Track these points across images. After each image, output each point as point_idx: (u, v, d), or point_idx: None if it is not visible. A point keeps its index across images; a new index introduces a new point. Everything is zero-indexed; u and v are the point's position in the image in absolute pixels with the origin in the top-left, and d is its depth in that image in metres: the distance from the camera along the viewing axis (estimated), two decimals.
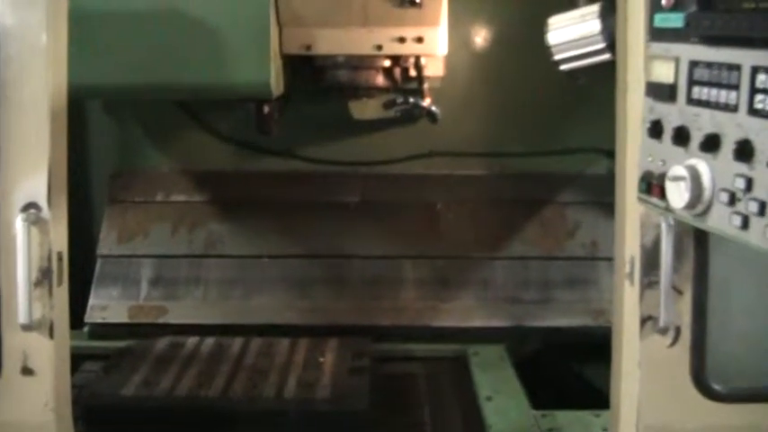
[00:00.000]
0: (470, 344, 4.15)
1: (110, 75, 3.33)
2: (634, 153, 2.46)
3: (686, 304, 2.50)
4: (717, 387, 2.53)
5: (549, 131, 4.52)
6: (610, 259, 4.35)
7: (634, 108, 2.49)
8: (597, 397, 4.18)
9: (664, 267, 2.42)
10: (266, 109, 3.68)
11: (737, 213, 1.85)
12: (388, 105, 3.94)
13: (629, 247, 2.57)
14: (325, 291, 4.33)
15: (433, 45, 3.65)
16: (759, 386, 2.56)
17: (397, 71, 3.83)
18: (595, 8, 3.18)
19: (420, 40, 3.62)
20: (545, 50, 4.31)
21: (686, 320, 2.50)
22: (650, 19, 2.17)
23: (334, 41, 3.63)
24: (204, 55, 3.35)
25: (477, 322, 4.24)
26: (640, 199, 2.26)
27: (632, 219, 2.54)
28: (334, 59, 3.73)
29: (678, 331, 2.49)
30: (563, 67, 3.39)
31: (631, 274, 2.55)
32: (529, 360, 4.20)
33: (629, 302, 2.56)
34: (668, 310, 2.44)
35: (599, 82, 4.50)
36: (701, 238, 2.47)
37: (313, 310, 4.28)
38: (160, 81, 3.38)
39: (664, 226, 2.40)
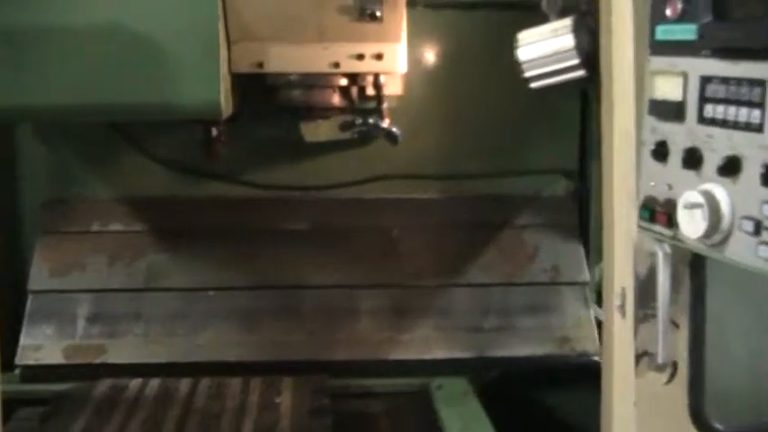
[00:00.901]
0: (432, 377, 3.95)
1: (40, 95, 3.04)
2: (623, 176, 2.30)
3: (683, 338, 2.32)
4: (717, 425, 2.35)
5: (507, 152, 4.36)
6: (572, 284, 4.29)
7: (622, 127, 2.33)
8: (564, 428, 4.04)
9: (661, 299, 2.24)
10: (214, 131, 3.43)
11: (765, 243, 1.68)
12: (346, 127, 3.73)
13: (620, 277, 2.38)
14: (277, 324, 4.07)
15: (393, 62, 3.45)
16: (759, 422, 2.41)
17: (354, 90, 3.62)
18: (568, 22, 3.01)
19: (379, 56, 3.41)
20: (502, 68, 4.18)
21: (683, 355, 2.33)
22: (651, 31, 1.99)
23: (287, 59, 3.39)
24: (146, 73, 3.09)
25: (439, 354, 4.04)
26: (641, 227, 2.08)
27: (623, 247, 2.36)
28: (287, 78, 3.49)
29: (675, 367, 2.32)
30: (533, 84, 3.21)
31: (623, 307, 2.36)
32: (492, 391, 4.01)
33: (620, 337, 2.38)
34: (666, 345, 2.25)
35: (557, 100, 4.43)
36: (697, 267, 2.30)
37: (264, 344, 4.02)
38: (97, 102, 3.10)
39: (660, 254, 2.22)
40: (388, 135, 3.74)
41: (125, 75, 3.08)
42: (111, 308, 4.05)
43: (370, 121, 3.70)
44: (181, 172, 4.23)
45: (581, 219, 4.38)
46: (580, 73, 3.26)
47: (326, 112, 3.66)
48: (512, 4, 4.02)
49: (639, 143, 2.09)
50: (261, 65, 3.39)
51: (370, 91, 3.63)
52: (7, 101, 2.31)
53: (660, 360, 2.25)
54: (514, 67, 4.10)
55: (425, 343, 4.05)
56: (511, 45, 4.10)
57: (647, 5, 2.06)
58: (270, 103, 3.62)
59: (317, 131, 3.89)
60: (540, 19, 3.47)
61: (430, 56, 4.18)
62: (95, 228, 4.18)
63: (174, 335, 4.01)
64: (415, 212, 4.32)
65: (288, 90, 3.53)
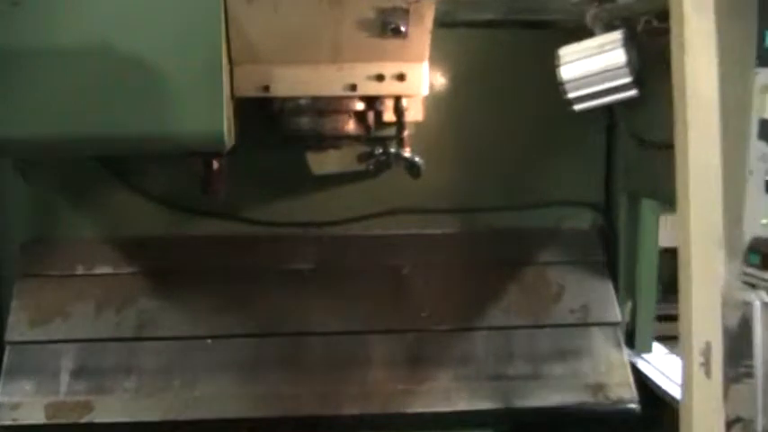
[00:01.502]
0: (453, 431, 3.59)
1: (20, 126, 2.68)
2: (704, 215, 1.96)
3: None
4: None
5: (527, 183, 4.04)
6: (603, 324, 3.94)
7: (701, 159, 2.00)
8: None
9: (759, 356, 1.90)
10: (216, 165, 3.07)
11: None
12: (364, 158, 3.36)
13: (703, 330, 2.04)
14: (281, 375, 3.70)
15: (416, 83, 3.12)
16: None
17: (371, 116, 3.26)
18: (618, 36, 2.70)
19: (401, 77, 3.08)
20: (521, 92, 3.87)
21: None
22: (761, 38, 1.66)
23: (297, 81, 3.05)
24: (141, 101, 2.75)
25: (460, 405, 3.67)
26: (748, 275, 1.74)
27: (706, 295, 2.02)
28: (296, 102, 3.13)
29: None
30: (577, 106, 2.89)
31: (707, 365, 2.02)
32: None
33: (705, 400, 2.03)
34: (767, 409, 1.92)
35: (580, 127, 4.11)
36: None
37: (267, 398, 3.64)
38: (86, 134, 2.75)
39: (757, 304, 1.89)
40: (411, 166, 3.37)
41: (117, 103, 2.73)
42: (98, 360, 3.67)
43: (392, 150, 3.33)
44: (174, 209, 3.88)
45: (608, 254, 4.04)
46: (631, 93, 2.96)
47: (339, 141, 3.30)
48: (533, 23, 3.71)
49: (741, 174, 1.76)
50: (267, 88, 3.04)
51: (388, 117, 3.27)
52: None
53: (759, 428, 1.91)
54: (533, 90, 3.83)
55: (445, 394, 3.69)
56: (530, 66, 3.84)
57: (748, 10, 1.74)
58: (273, 131, 3.27)
59: (325, 163, 3.54)
60: (565, 38, 3.16)
61: (444, 79, 3.84)
62: (80, 270, 3.81)
63: (169, 389, 3.63)
64: (429, 249, 3.98)
65: (296, 117, 3.17)
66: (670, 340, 3.92)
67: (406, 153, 3.35)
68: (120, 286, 3.80)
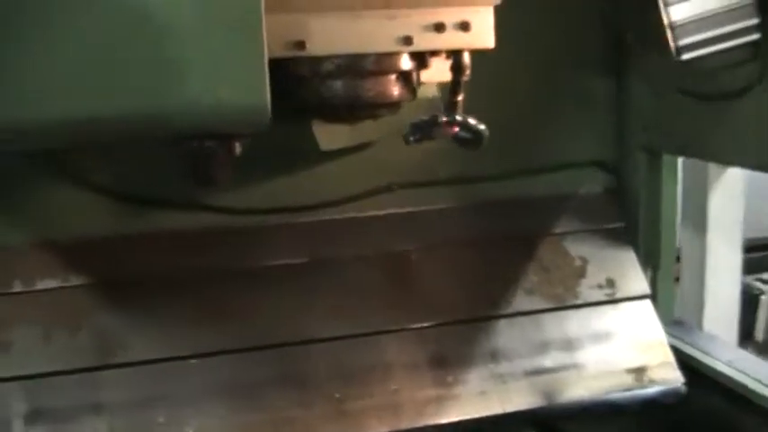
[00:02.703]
0: None
1: (25, 111, 1.91)
2: None
3: None
4: None
5: (530, 144, 3.53)
6: (633, 299, 3.50)
7: None
8: None
9: None
10: (238, 148, 2.36)
11: None
12: (416, 128, 2.69)
13: None
14: (284, 395, 3.04)
15: (483, 34, 2.50)
16: None
17: (416, 77, 2.63)
18: None
19: (465, 26, 2.46)
20: (521, 39, 3.33)
21: None
22: None
23: (339, 34, 2.36)
24: (164, 71, 2.02)
25: (499, 408, 3.16)
26: None
27: None
28: (335, 62, 2.44)
29: None
30: (686, 55, 2.39)
31: None
32: None
33: None
34: None
35: (586, 75, 3.64)
36: None
37: (273, 424, 2.99)
38: (88, 114, 1.99)
39: None
40: (476, 137, 2.75)
41: (131, 75, 1.99)
42: (55, 399, 2.89)
43: (458, 118, 2.69)
44: (127, 201, 3.14)
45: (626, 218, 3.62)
46: (754, 36, 2.48)
47: (378, 109, 2.64)
48: None
49: None
50: (301, 45, 2.35)
51: (438, 76, 2.65)
52: None
53: None
54: (530, 34, 3.32)
55: (482, 398, 3.16)
56: (534, 10, 3.33)
57: None
58: (291, 100, 2.57)
59: (335, 136, 2.89)
60: None
61: None
62: (18, 287, 3.01)
63: (151, 426, 2.91)
64: (432, 228, 3.43)
65: (330, 81, 2.48)
66: None
67: (472, 121, 2.73)
68: (72, 302, 3.03)
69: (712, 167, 4.39)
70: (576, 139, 3.58)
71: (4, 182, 2.98)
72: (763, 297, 5.74)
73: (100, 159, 3.06)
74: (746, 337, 5.44)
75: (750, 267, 5.38)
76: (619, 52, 3.55)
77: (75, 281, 3.05)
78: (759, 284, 5.83)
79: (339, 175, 3.32)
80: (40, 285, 3.02)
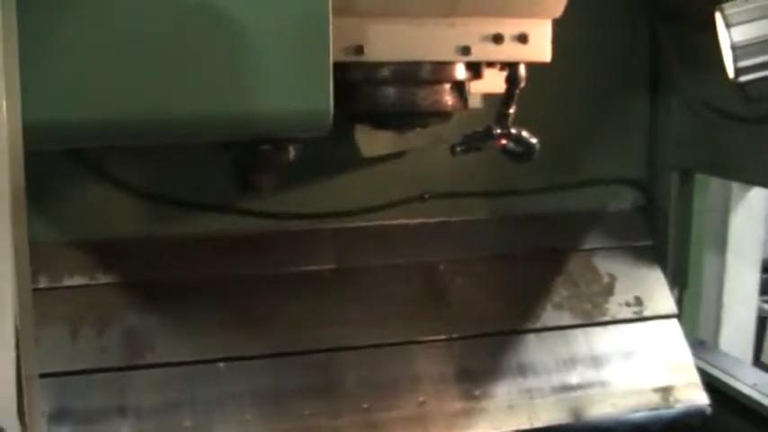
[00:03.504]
0: None
1: (74, 108, 1.86)
2: None
3: None
4: None
5: (563, 161, 3.50)
6: (660, 318, 3.48)
7: None
8: None
9: None
10: (292, 153, 2.32)
11: None
12: (474, 140, 2.65)
13: None
14: (311, 403, 3.01)
15: (541, 47, 2.47)
16: None
17: (469, 87, 2.60)
18: None
19: (523, 38, 2.43)
20: (557, 57, 3.31)
21: None
22: None
23: (399, 41, 2.32)
24: (225, 72, 1.98)
25: (524, 424, 3.13)
26: None
27: None
28: (392, 69, 2.40)
29: None
30: (744, 77, 2.36)
31: None
32: None
33: None
34: None
35: (620, 94, 3.61)
36: None
37: None
38: (146, 115, 1.96)
39: None
40: (528, 150, 2.72)
41: (189, 76, 1.95)
42: (80, 399, 2.85)
43: (513, 131, 2.66)
44: (160, 202, 3.10)
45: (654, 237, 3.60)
46: None
47: (429, 118, 2.60)
48: None
49: None
50: (360, 50, 2.31)
51: (491, 87, 2.61)
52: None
53: None
54: (570, 54, 3.28)
55: (510, 412, 3.13)
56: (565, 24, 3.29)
57: None
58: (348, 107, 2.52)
59: (378, 143, 2.85)
60: None
61: None
62: (43, 283, 2.96)
63: (177, 431, 2.87)
64: (463, 239, 3.40)
65: (384, 87, 2.44)
66: None
67: (525, 134, 2.70)
68: (100, 302, 2.98)
69: (735, 189, 4.38)
70: (609, 155, 3.57)
71: (42, 180, 2.92)
72: None
73: (137, 161, 3.03)
74: (755, 359, 5.41)
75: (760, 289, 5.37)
76: (654, 70, 3.53)
77: (105, 279, 3.00)
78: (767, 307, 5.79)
79: (372, 182, 3.29)
80: (69, 282, 2.98)
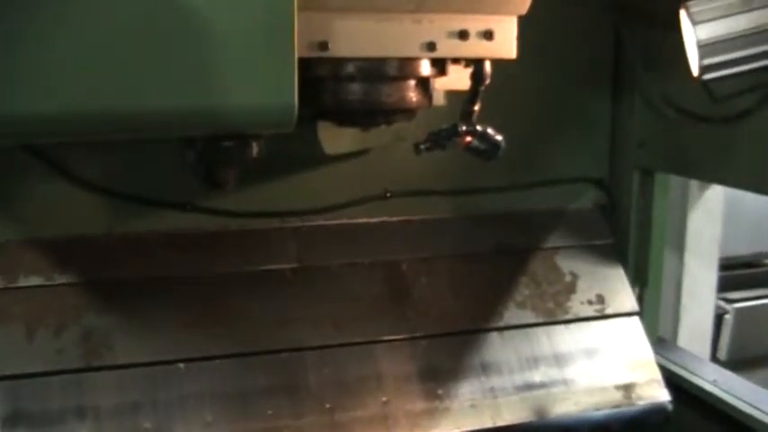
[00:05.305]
0: None
1: (36, 102, 1.81)
2: None
3: None
4: None
5: (525, 160, 3.49)
6: (621, 315, 3.50)
7: None
8: None
9: None
10: (255, 149, 2.29)
11: None
12: (432, 136, 2.63)
13: None
14: (274, 403, 2.98)
15: (506, 43, 2.46)
16: None
17: (434, 83, 2.58)
18: None
19: (488, 35, 2.41)
20: (522, 54, 3.30)
21: None
22: None
23: (365, 37, 2.30)
24: (188, 67, 1.94)
25: (490, 422, 3.12)
26: None
27: None
28: (358, 65, 2.38)
29: None
30: (709, 75, 2.37)
31: None
32: None
33: None
34: None
35: (581, 93, 3.62)
36: None
37: None
38: (117, 109, 1.91)
39: None
40: (494, 148, 2.71)
41: (154, 71, 1.91)
42: (37, 402, 2.78)
43: (479, 128, 2.65)
44: (117, 199, 3.03)
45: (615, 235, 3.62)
46: None
47: (394, 115, 2.58)
48: None
49: None
50: (324, 46, 2.28)
51: (456, 84, 2.60)
52: None
53: None
54: (531, 52, 3.28)
55: (473, 411, 3.12)
56: (532, 25, 3.29)
57: None
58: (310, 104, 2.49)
59: (341, 140, 2.83)
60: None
61: None
62: None
63: None
64: (426, 238, 3.38)
65: (349, 84, 2.42)
66: None
67: (491, 131, 2.68)
68: (56, 302, 2.92)
69: (693, 188, 4.42)
70: (571, 154, 3.58)
71: None
72: (726, 316, 5.79)
73: (96, 157, 2.96)
74: (712, 356, 5.48)
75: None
76: (617, 69, 3.55)
77: (61, 279, 2.94)
78: (723, 304, 5.87)
79: (335, 180, 3.26)
80: (23, 282, 2.91)
